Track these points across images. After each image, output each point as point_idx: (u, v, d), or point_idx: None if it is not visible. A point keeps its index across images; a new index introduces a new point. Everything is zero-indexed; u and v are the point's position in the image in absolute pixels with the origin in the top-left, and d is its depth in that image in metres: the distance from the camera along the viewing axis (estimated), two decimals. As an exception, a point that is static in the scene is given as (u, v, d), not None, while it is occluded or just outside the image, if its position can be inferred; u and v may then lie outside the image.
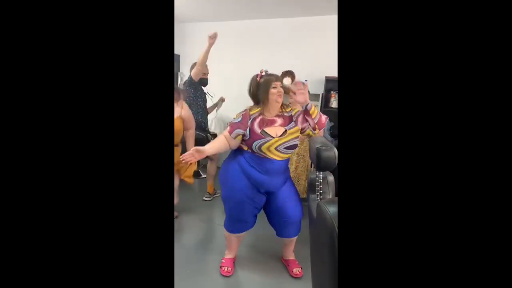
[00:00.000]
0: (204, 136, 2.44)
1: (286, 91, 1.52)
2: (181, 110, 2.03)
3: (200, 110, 2.53)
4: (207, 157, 2.69)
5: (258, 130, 1.44)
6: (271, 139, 1.42)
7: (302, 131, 1.50)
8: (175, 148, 2.06)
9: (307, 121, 1.48)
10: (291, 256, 1.74)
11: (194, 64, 2.46)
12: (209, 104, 2.78)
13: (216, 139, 1.54)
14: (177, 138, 2.05)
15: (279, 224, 1.58)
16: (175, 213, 2.33)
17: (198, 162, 3.51)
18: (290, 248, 1.71)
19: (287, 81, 3.04)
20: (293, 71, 3.15)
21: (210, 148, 1.46)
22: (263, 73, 1.47)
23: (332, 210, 0.60)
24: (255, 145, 1.43)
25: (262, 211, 1.64)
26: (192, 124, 2.13)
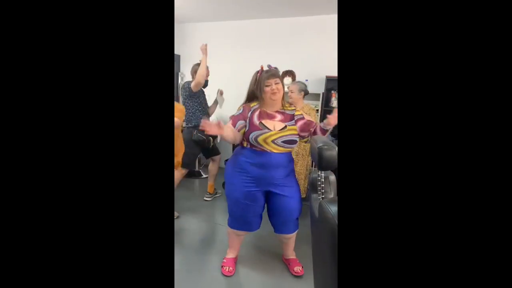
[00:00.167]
0: (204, 138, 2.44)
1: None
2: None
3: (201, 113, 2.53)
4: (210, 158, 2.71)
5: (256, 122, 1.46)
6: (268, 132, 1.43)
7: (300, 137, 1.52)
8: (175, 131, 2.07)
9: (309, 131, 1.50)
10: (291, 255, 1.75)
11: (195, 65, 2.45)
12: (209, 103, 2.77)
13: (226, 125, 1.50)
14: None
15: (278, 221, 1.59)
16: (176, 214, 2.33)
17: (199, 162, 3.53)
18: (290, 246, 1.72)
19: (287, 80, 3.04)
20: (294, 70, 3.16)
21: (226, 130, 1.38)
22: (264, 70, 1.49)
23: (334, 209, 0.59)
24: (252, 136, 1.44)
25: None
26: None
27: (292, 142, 1.47)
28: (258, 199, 1.54)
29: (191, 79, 2.47)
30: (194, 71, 2.44)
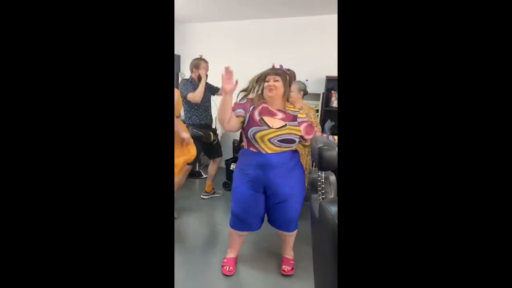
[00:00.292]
0: (202, 134, 2.45)
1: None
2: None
3: (205, 111, 2.54)
4: (210, 158, 2.71)
5: (257, 117, 1.46)
6: (267, 129, 1.43)
7: (303, 140, 1.53)
8: (175, 119, 2.05)
9: (311, 135, 1.53)
10: (287, 254, 1.74)
11: (194, 60, 2.45)
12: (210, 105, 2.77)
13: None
14: (177, 111, 2.14)
15: (277, 221, 1.59)
16: (175, 214, 2.33)
17: (200, 162, 3.53)
18: (288, 245, 1.71)
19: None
20: (294, 70, 3.15)
21: (229, 102, 1.32)
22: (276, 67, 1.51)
23: (334, 210, 0.59)
24: (251, 132, 1.45)
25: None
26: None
27: (290, 141, 1.46)
28: (259, 200, 1.54)
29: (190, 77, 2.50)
30: (193, 66, 2.46)
